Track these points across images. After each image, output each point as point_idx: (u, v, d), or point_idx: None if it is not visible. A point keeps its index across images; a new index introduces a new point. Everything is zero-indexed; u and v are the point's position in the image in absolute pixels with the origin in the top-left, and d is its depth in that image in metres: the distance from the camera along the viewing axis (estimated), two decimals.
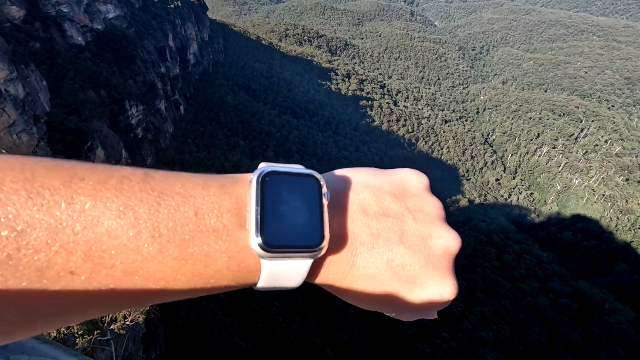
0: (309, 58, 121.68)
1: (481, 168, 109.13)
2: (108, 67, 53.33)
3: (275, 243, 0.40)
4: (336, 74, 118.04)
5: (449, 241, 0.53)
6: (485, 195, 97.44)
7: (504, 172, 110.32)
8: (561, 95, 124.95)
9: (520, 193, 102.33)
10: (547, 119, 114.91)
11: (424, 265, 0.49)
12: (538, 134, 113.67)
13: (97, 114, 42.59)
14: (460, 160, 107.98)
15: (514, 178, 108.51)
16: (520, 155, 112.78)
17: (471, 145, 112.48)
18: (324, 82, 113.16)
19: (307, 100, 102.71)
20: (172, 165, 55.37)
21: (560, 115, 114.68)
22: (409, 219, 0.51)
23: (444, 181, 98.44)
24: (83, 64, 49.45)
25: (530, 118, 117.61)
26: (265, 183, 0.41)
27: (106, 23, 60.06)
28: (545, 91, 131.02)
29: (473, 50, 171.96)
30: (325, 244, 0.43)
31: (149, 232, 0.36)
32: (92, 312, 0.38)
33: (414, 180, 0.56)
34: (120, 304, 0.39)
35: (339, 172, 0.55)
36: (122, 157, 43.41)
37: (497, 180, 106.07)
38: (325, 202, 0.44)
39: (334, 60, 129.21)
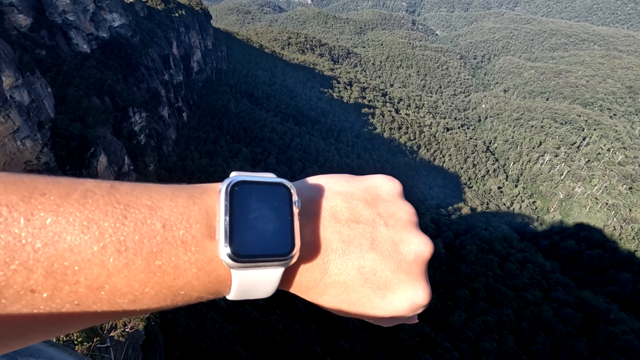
0: (311, 66, 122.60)
1: (483, 176, 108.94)
2: (113, 75, 53.90)
3: (245, 253, 0.40)
4: (338, 82, 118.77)
5: (421, 247, 0.53)
6: (487, 203, 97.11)
7: (506, 180, 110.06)
8: (563, 103, 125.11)
9: (522, 201, 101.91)
10: (549, 127, 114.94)
11: (396, 271, 0.50)
12: (540, 142, 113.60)
13: (100, 120, 42.94)
14: (462, 168, 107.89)
15: (516, 186, 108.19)
16: (523, 164, 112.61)
17: (473, 153, 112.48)
18: (326, 90, 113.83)
19: (310, 107, 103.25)
20: (175, 172, 55.54)
21: (562, 123, 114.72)
22: (380, 225, 0.51)
23: (445, 189, 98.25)
24: (88, 71, 50.01)
25: (532, 126, 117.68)
26: (235, 193, 0.41)
27: (111, 31, 60.85)
28: (547, 99, 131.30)
29: (474, 58, 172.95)
30: (296, 252, 0.43)
31: (114, 246, 0.35)
32: (56, 330, 0.37)
33: (386, 186, 0.56)
34: (85, 320, 0.37)
35: (311, 179, 0.55)
36: (124, 163, 43.59)
37: (499, 188, 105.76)
38: (295, 210, 0.44)
39: (336, 69, 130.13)
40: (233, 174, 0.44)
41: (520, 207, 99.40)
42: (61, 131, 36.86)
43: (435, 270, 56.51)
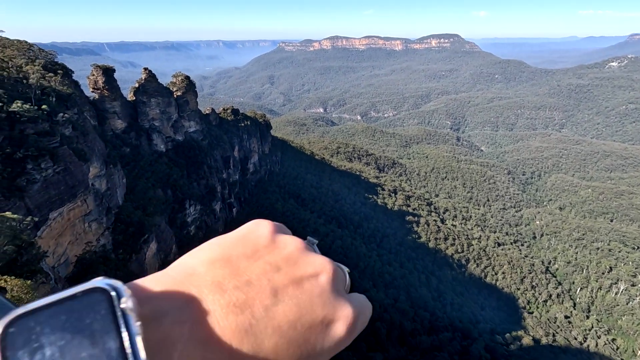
0: (357, 173, 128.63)
1: (545, 301, 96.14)
2: (179, 171, 60.40)
3: None
4: (383, 189, 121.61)
5: (320, 270, 0.50)
6: (553, 335, 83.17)
7: (574, 309, 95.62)
8: (631, 226, 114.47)
9: (598, 337, 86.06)
10: (619, 251, 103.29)
11: (312, 312, 0.44)
12: (610, 268, 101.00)
13: (159, 210, 46.62)
14: (518, 289, 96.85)
15: (587, 317, 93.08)
16: (592, 291, 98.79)
17: (530, 273, 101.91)
18: (370, 196, 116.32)
19: (353, 211, 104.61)
20: None
21: (633, 248, 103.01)
22: (273, 273, 0.47)
23: (500, 311, 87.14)
24: (159, 167, 56.69)
25: (598, 249, 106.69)
26: (9, 340, 0.26)
27: (186, 135, 70.62)
28: (611, 221, 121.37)
29: (523, 174, 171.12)
30: None
31: None
32: None
33: (258, 231, 0.52)
34: None
35: (177, 261, 0.48)
36: (171, 251, 45.35)
37: (566, 317, 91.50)
38: (128, 317, 0.31)
39: (382, 177, 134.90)
40: (9, 316, 0.30)
41: (597, 345, 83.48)
42: (124, 217, 40.24)
43: None
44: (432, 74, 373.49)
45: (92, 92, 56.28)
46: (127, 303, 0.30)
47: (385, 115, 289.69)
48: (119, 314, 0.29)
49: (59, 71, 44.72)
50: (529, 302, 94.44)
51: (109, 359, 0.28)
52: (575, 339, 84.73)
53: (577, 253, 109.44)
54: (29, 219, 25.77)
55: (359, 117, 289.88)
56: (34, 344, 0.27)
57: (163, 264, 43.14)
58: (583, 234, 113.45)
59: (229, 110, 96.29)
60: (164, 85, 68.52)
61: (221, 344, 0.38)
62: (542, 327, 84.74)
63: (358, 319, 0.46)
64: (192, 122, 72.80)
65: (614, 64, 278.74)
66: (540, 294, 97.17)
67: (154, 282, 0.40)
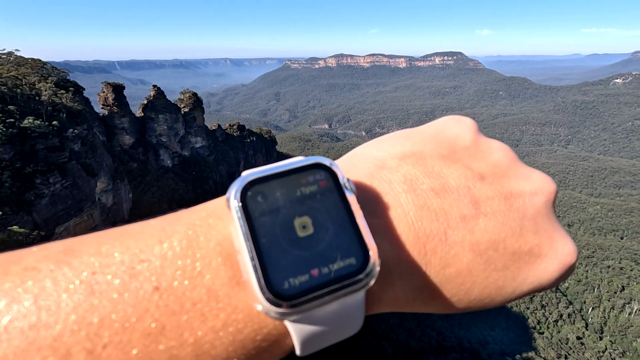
0: None
1: (556, 321, 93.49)
2: (185, 186, 60.82)
3: (294, 291, 0.25)
4: None
5: (539, 188, 0.41)
6: (565, 357, 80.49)
7: (586, 330, 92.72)
8: None
9: (613, 359, 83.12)
10: (631, 270, 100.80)
11: (521, 235, 0.36)
12: (623, 287, 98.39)
13: None
14: (528, 309, 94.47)
15: (600, 339, 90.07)
16: (605, 311, 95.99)
17: (540, 292, 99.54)
18: None
19: None
20: None
21: None
22: (476, 181, 0.37)
23: (510, 331, 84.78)
24: (165, 182, 57.17)
25: (609, 267, 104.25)
26: (251, 201, 0.26)
27: (192, 151, 71.44)
28: (622, 238, 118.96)
29: None
30: (373, 262, 0.27)
31: (82, 348, 0.23)
32: None
33: (457, 129, 0.41)
34: None
35: (358, 150, 0.40)
36: None
37: (578, 338, 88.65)
38: (351, 197, 0.28)
39: None
40: (244, 173, 0.30)
41: None
42: None
43: None
44: (436, 91, 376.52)
45: (102, 108, 57.44)
46: (342, 177, 0.28)
47: (390, 131, 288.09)
48: (343, 187, 0.28)
49: (70, 88, 45.81)
50: (539, 322, 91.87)
51: (342, 230, 0.26)
52: None
53: (587, 271, 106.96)
54: (35, 233, 25.94)
55: (364, 133, 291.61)
56: (275, 209, 0.26)
57: None
58: (593, 252, 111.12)
59: (235, 126, 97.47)
60: (172, 102, 69.81)
61: (414, 246, 0.31)
62: (553, 349, 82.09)
63: (575, 263, 0.38)
64: (198, 138, 73.70)
65: (618, 80, 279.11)
66: (550, 314, 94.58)
67: (344, 170, 0.33)
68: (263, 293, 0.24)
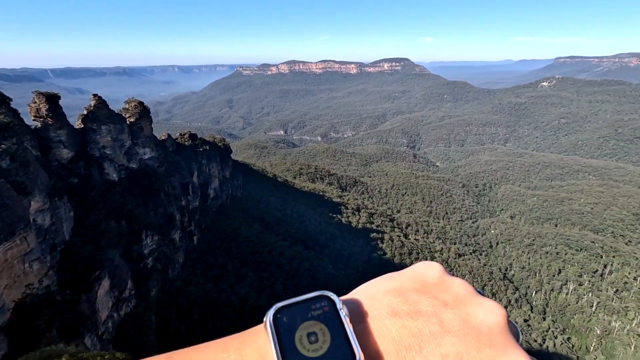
0: (321, 193, 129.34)
1: (505, 306, 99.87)
2: (134, 200, 57.15)
3: None
4: (346, 208, 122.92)
5: (491, 313, 0.50)
6: None
7: (532, 312, 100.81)
8: (573, 230, 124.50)
9: (555, 337, 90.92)
10: (565, 254, 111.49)
11: (479, 348, 0.46)
12: (559, 270, 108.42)
13: (113, 242, 43.51)
14: None
15: (544, 319, 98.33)
16: (546, 293, 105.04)
17: (490, 281, 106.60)
18: (335, 215, 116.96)
19: (319, 232, 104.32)
20: (177, 297, 52.87)
21: (577, 250, 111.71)
22: (441, 307, 0.51)
23: None
24: (112, 197, 53.32)
25: (547, 252, 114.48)
26: (278, 320, 0.42)
27: (141, 163, 67.42)
28: (556, 226, 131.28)
29: (476, 187, 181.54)
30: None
31: None
32: None
33: (429, 271, 0.55)
34: None
35: (359, 288, 0.57)
36: (126, 287, 42.15)
37: (525, 321, 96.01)
38: (345, 318, 0.43)
39: (344, 196, 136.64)
40: (276, 305, 0.45)
41: (555, 345, 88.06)
42: (72, 253, 37.08)
43: None
44: (387, 96, 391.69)
45: (34, 120, 52.42)
46: (339, 304, 0.42)
47: (345, 135, 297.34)
48: (341, 313, 0.44)
49: None
50: None
51: (338, 337, 0.40)
52: (535, 341, 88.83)
53: (529, 258, 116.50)
54: None
55: (319, 138, 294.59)
56: (292, 326, 0.42)
57: (117, 301, 39.76)
58: (533, 240, 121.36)
59: (186, 135, 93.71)
60: (116, 112, 65.52)
61: (396, 357, 0.44)
62: None
63: None
64: (147, 149, 69.80)
65: (545, 83, 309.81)
66: (500, 300, 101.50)
67: (349, 299, 0.49)
68: None
